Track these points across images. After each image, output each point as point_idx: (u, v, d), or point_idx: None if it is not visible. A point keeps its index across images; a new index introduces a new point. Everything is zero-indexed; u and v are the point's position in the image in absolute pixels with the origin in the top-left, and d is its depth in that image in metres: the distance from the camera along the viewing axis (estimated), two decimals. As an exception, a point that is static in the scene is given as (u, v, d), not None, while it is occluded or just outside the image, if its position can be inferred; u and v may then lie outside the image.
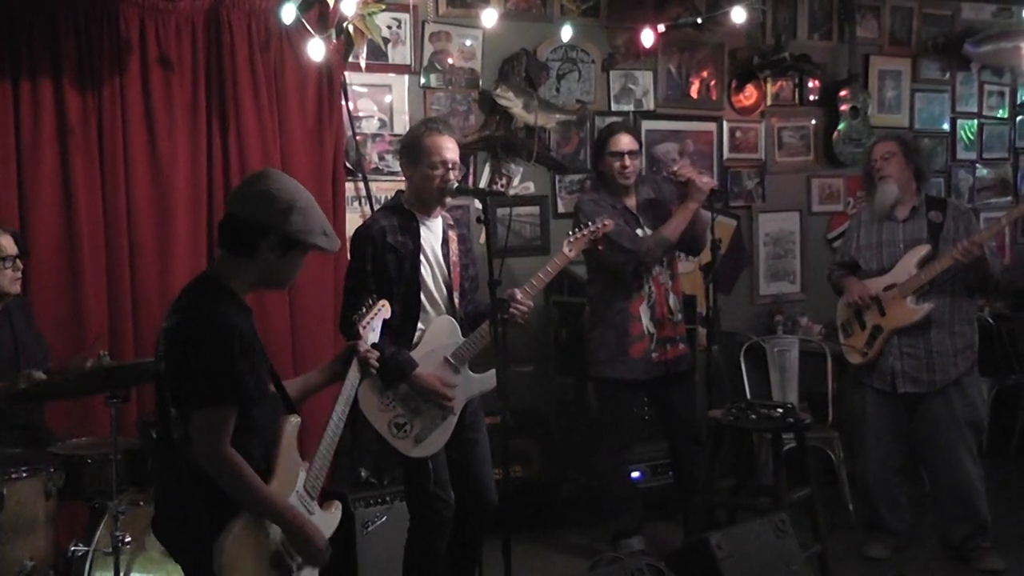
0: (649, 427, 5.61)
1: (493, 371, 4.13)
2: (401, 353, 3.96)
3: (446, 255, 4.13)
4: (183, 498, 2.87)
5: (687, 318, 5.32)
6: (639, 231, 4.97)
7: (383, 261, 4.00)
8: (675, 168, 4.96)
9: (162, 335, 2.91)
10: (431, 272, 4.09)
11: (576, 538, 5.48)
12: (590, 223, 4.40)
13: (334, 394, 3.21)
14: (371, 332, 3.37)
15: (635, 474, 5.52)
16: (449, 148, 4.05)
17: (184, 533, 2.90)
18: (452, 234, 4.19)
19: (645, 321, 4.98)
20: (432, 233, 4.12)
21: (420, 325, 4.06)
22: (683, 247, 5.06)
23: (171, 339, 2.86)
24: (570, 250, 4.31)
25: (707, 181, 4.88)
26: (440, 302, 4.12)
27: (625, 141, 5.00)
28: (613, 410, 5.15)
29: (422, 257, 4.06)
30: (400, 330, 3.99)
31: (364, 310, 3.43)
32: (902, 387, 4.97)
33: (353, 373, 3.22)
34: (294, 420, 3.00)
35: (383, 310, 3.47)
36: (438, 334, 4.07)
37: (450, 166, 4.03)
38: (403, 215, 4.09)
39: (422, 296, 4.06)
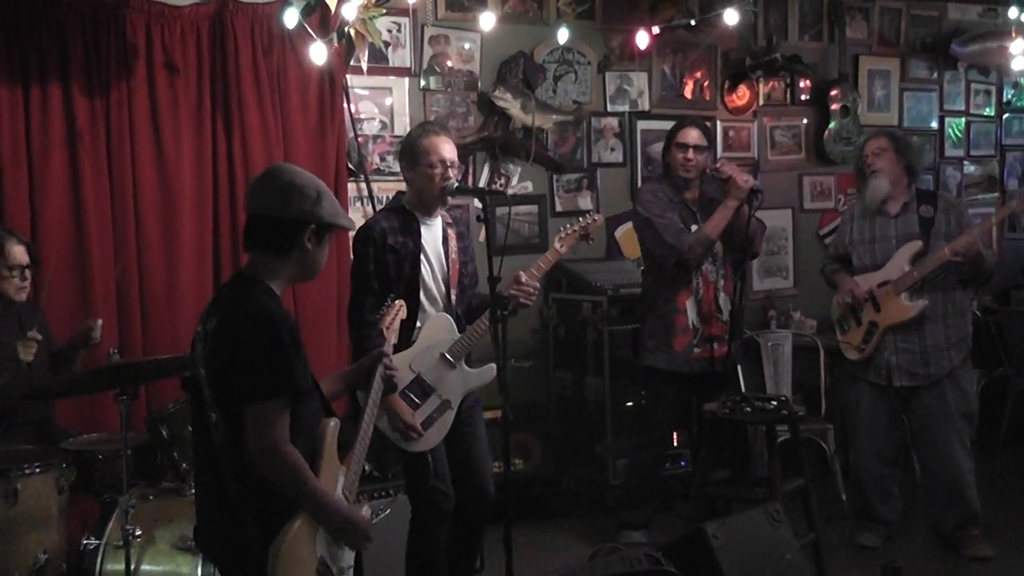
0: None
1: (490, 366, 4.15)
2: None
3: (446, 253, 4.18)
4: (229, 506, 2.80)
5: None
6: (694, 226, 4.97)
7: (384, 262, 4.04)
8: (716, 165, 4.93)
9: (201, 338, 2.86)
10: (431, 271, 4.13)
11: (576, 529, 5.53)
12: (580, 218, 4.39)
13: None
14: (393, 333, 3.42)
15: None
16: (446, 147, 4.07)
17: (231, 541, 2.84)
18: (451, 232, 4.23)
19: (691, 315, 4.98)
20: (432, 233, 4.17)
21: (418, 323, 4.10)
22: (736, 249, 4.97)
23: (215, 339, 2.80)
24: (561, 246, 4.29)
25: (747, 179, 4.84)
26: (438, 299, 4.16)
27: (694, 135, 5.01)
28: (652, 400, 5.20)
29: (422, 257, 4.10)
30: (400, 328, 4.00)
31: (383, 312, 3.47)
32: (898, 381, 5.00)
33: (378, 382, 3.25)
34: (334, 422, 2.96)
35: (401, 311, 3.52)
36: (435, 331, 4.10)
37: (448, 164, 4.06)
38: (404, 216, 4.13)
39: (421, 295, 4.10)
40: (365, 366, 3.30)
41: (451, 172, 4.08)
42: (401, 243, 4.06)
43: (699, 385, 5.10)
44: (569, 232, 4.31)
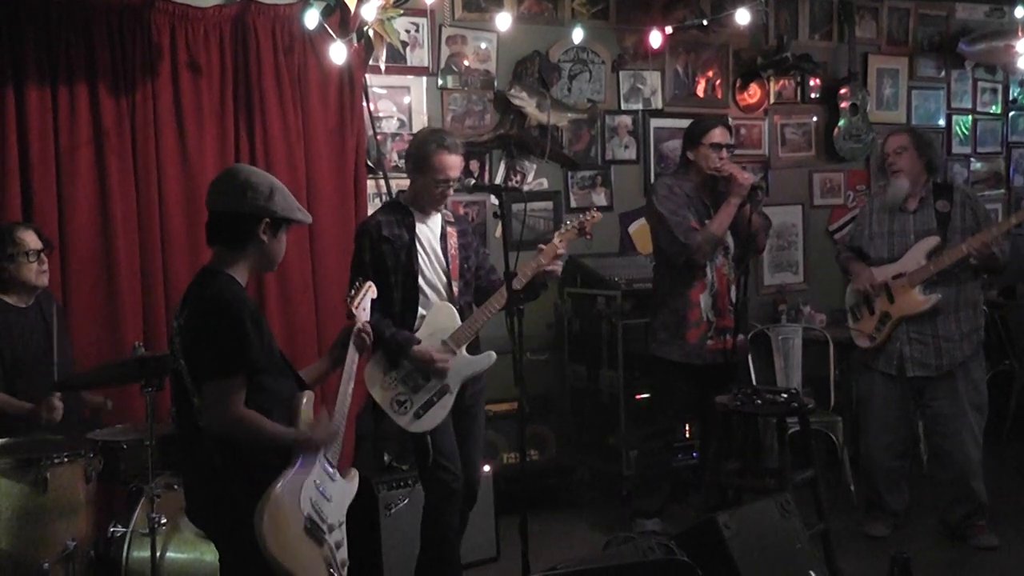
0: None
1: (488, 353, 4.32)
2: (401, 332, 4.19)
3: (444, 248, 4.33)
4: (216, 479, 2.98)
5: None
6: (707, 222, 5.00)
7: (380, 252, 4.22)
8: (717, 164, 4.95)
9: (177, 332, 3.07)
10: (428, 262, 4.29)
11: (590, 518, 5.60)
12: (579, 215, 4.48)
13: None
14: (363, 312, 3.58)
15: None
16: (455, 167, 4.23)
17: (221, 512, 3.01)
18: (451, 229, 4.38)
19: (704, 308, 5.02)
20: (429, 228, 4.33)
21: (421, 311, 4.27)
22: (743, 245, 5.01)
23: (187, 329, 3.02)
24: (560, 241, 4.37)
25: (748, 177, 4.88)
26: (440, 289, 4.32)
27: (725, 134, 5.05)
28: (663, 391, 5.25)
29: (418, 247, 4.26)
30: (402, 316, 4.24)
31: (354, 292, 3.62)
32: (911, 372, 5.04)
33: (352, 351, 3.44)
34: (308, 394, 3.19)
35: (371, 290, 3.67)
36: (437, 319, 4.27)
37: (451, 183, 4.24)
38: (400, 211, 4.32)
39: (420, 283, 4.27)
40: (339, 343, 3.50)
41: (451, 190, 4.27)
42: (396, 235, 4.24)
43: (709, 377, 5.14)
44: (568, 229, 4.44)
